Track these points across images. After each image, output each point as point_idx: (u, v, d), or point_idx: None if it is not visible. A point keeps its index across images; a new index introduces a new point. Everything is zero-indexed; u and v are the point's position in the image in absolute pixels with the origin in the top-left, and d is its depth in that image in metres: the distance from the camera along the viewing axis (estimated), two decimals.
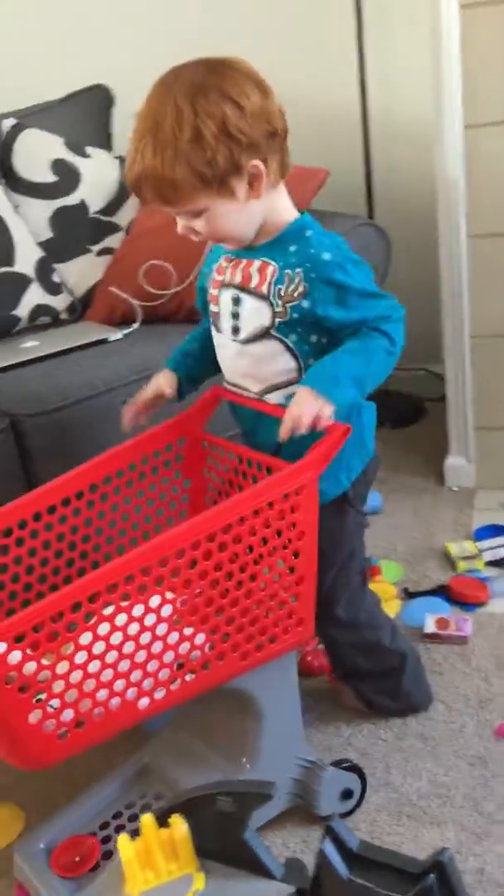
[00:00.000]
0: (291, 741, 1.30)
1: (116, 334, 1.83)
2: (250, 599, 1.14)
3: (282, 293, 1.18)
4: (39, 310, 1.96)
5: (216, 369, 1.33)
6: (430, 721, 1.48)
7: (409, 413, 2.38)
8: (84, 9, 2.29)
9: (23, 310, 1.94)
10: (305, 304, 1.17)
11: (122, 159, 2.08)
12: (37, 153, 2.07)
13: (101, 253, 2.04)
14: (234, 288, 1.23)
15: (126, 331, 1.84)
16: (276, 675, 1.23)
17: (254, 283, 1.20)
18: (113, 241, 2.05)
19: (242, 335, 1.23)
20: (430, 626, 1.65)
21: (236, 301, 1.23)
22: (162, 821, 1.04)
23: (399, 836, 1.30)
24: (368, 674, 1.45)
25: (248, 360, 1.24)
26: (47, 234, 2.04)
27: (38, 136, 2.08)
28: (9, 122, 2.09)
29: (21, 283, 1.94)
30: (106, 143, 2.17)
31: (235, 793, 1.02)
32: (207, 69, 1.12)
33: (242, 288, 1.22)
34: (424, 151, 1.94)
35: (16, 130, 2.08)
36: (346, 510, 1.32)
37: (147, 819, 1.03)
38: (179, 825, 1.03)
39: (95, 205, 2.05)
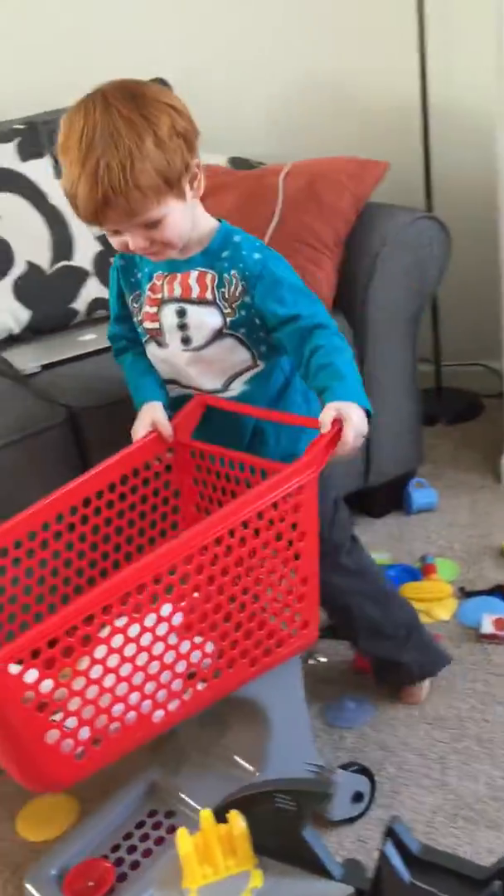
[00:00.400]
0: (300, 747, 1.29)
1: None
2: (257, 603, 1.13)
3: (226, 295, 1.24)
4: (97, 303, 1.97)
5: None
6: (486, 723, 1.47)
7: (466, 409, 2.35)
8: (142, 4, 2.29)
9: (81, 303, 1.95)
10: (247, 299, 1.23)
11: None
12: None
13: None
14: (176, 301, 1.27)
15: None
16: (281, 682, 1.22)
17: (195, 293, 1.25)
18: None
19: (195, 343, 1.27)
20: (488, 627, 1.63)
21: (181, 313, 1.27)
22: (220, 816, 1.04)
23: (455, 838, 1.29)
24: (387, 630, 1.44)
25: (203, 363, 1.28)
26: None
27: None
28: None
29: (79, 276, 1.95)
30: None
31: (294, 790, 1.01)
32: (126, 84, 1.18)
33: (185, 300, 1.26)
34: (485, 144, 1.90)
35: None
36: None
37: (206, 814, 1.03)
38: (238, 821, 1.02)
39: None
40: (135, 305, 1.35)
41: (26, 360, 1.81)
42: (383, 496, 2.00)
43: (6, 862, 1.37)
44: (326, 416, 1.12)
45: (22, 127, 2.00)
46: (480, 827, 1.30)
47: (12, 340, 1.90)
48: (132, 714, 1.06)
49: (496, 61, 1.76)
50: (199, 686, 1.11)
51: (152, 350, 1.34)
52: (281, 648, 1.18)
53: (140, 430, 1.33)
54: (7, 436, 1.56)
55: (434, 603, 1.72)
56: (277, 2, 2.23)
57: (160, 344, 1.31)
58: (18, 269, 1.89)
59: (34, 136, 2.03)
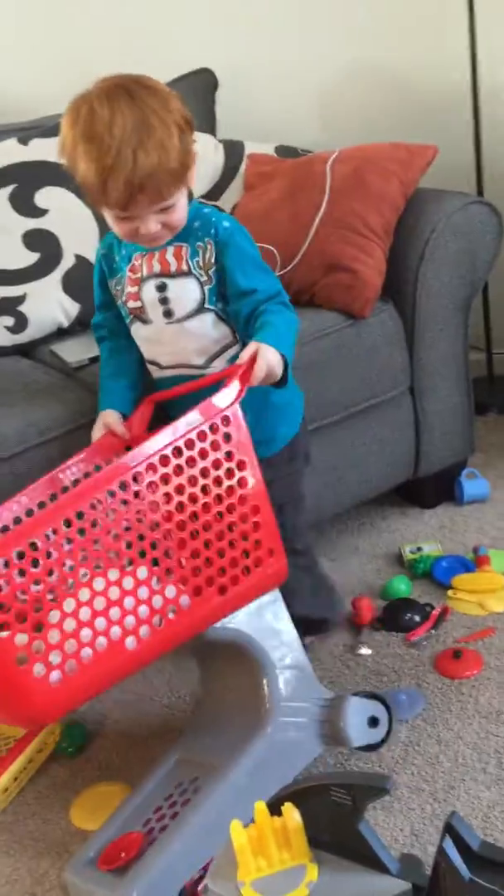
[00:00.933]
0: (303, 682, 1.33)
1: None
2: (210, 532, 1.18)
3: (200, 263, 1.31)
4: None
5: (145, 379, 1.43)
6: None
7: None
8: None
9: None
10: (218, 264, 1.31)
11: (225, 143, 2.06)
12: None
13: None
14: (155, 277, 1.33)
15: None
16: (256, 614, 1.28)
17: (174, 267, 1.32)
18: None
19: (178, 314, 1.33)
20: None
21: (161, 288, 1.33)
22: (274, 809, 1.03)
23: None
24: (310, 587, 1.51)
25: (188, 337, 1.35)
26: None
27: None
28: None
29: None
30: (211, 126, 2.16)
31: (350, 784, 1.00)
32: (134, 78, 1.24)
33: (164, 274, 1.33)
34: None
35: None
36: (297, 453, 1.44)
37: (260, 806, 1.02)
38: (293, 814, 1.01)
39: (200, 188, 2.04)
40: (118, 289, 1.40)
41: (75, 352, 1.82)
42: (434, 487, 1.97)
43: (59, 850, 1.38)
44: (246, 352, 1.22)
45: None
46: None
47: (62, 333, 1.91)
48: (102, 639, 1.11)
49: None
50: (170, 614, 1.15)
51: (136, 330, 1.38)
52: (250, 577, 1.22)
53: (96, 433, 1.38)
54: (56, 428, 1.57)
55: (488, 594, 1.70)
56: None
57: (144, 321, 1.36)
58: (67, 262, 1.90)
59: None
